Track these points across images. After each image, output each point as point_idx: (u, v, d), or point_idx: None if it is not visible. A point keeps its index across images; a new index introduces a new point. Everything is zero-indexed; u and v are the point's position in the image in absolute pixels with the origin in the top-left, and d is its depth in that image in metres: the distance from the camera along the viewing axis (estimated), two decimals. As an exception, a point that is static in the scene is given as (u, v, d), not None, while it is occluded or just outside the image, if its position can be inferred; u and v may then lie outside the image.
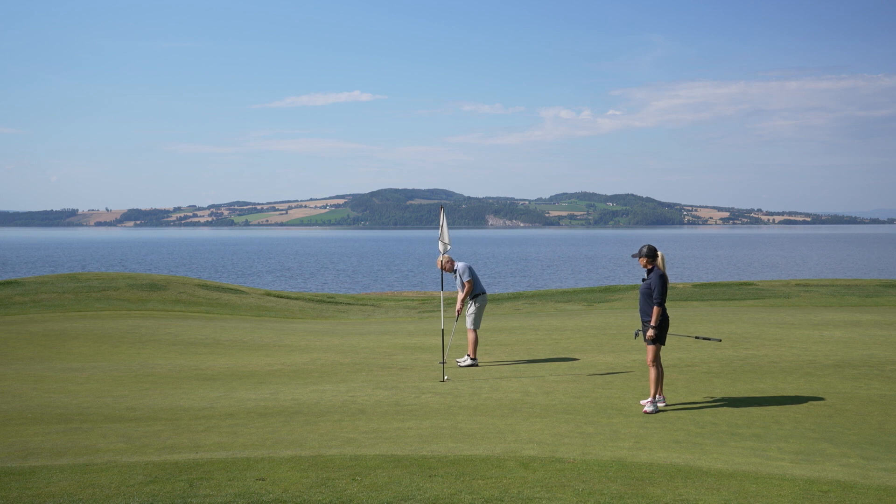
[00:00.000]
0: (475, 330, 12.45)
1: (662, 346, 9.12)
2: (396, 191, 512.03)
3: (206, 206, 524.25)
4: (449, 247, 12.12)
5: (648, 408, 8.65)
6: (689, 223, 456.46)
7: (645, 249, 9.03)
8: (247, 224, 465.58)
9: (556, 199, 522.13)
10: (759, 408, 8.94)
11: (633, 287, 34.19)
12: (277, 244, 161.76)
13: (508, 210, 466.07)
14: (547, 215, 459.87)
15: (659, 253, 9.06)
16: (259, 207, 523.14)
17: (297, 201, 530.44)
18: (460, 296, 12.56)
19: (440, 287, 13.71)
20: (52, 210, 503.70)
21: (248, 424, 8.15)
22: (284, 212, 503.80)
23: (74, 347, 15.72)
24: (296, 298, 33.10)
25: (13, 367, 13.11)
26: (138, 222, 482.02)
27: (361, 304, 31.87)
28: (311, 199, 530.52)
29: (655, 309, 8.80)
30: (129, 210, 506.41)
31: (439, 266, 12.39)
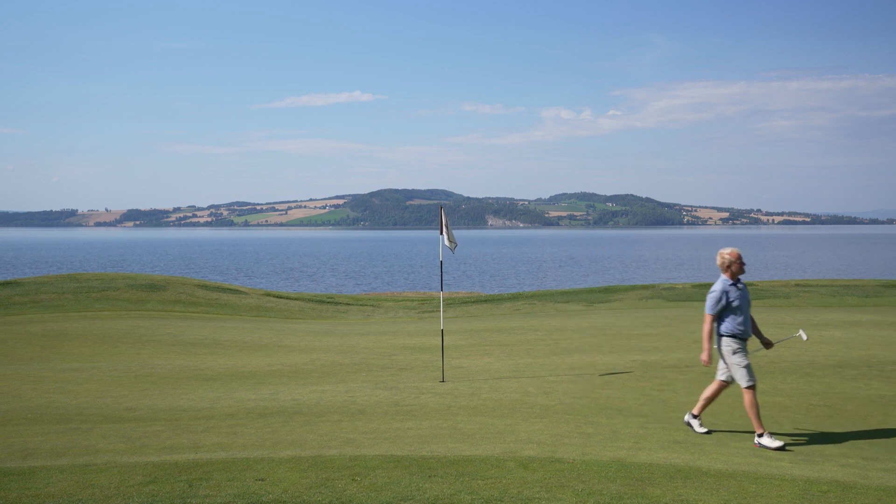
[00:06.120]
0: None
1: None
2: (396, 191, 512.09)
3: (205, 206, 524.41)
4: (456, 245, 12.06)
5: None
6: (688, 223, 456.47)
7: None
8: (246, 224, 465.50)
9: (556, 200, 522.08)
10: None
11: (632, 287, 34.16)
12: (277, 244, 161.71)
13: (508, 210, 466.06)
14: (546, 216, 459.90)
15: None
16: (259, 208, 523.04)
17: (296, 201, 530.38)
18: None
19: (440, 287, 13.60)
20: (51, 210, 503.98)
21: (247, 425, 8.15)
22: (284, 212, 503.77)
23: (74, 348, 15.70)
24: (295, 299, 33.09)
25: (13, 368, 13.10)
26: (138, 223, 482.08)
27: (361, 305, 31.86)
28: (310, 200, 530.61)
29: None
30: (129, 210, 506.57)
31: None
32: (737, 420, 8.35)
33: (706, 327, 7.60)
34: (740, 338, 7.55)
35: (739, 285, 7.67)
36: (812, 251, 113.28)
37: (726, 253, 7.68)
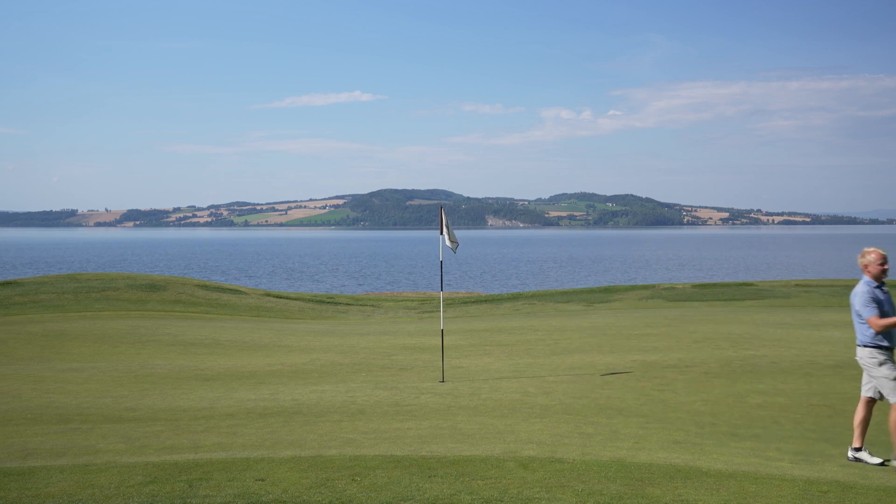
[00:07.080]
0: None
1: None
2: (396, 191, 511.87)
3: (205, 206, 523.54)
4: (458, 244, 12.07)
5: None
6: (688, 223, 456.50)
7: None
8: (246, 224, 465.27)
9: (556, 200, 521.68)
10: (758, 408, 8.93)
11: (632, 287, 34.15)
12: (277, 245, 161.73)
13: (508, 210, 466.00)
14: (546, 216, 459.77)
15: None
16: (258, 208, 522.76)
17: (296, 202, 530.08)
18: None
19: (440, 287, 13.60)
20: (51, 210, 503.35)
21: (247, 425, 8.15)
22: (284, 212, 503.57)
23: (74, 348, 15.71)
24: (295, 299, 33.10)
25: (13, 368, 13.10)
26: (138, 223, 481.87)
27: (361, 305, 31.86)
28: (310, 200, 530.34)
29: None
30: (129, 210, 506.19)
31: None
32: (737, 420, 8.35)
33: (883, 322, 6.61)
34: (886, 347, 6.71)
35: (885, 288, 6.86)
36: (812, 251, 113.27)
37: (868, 251, 6.89)
